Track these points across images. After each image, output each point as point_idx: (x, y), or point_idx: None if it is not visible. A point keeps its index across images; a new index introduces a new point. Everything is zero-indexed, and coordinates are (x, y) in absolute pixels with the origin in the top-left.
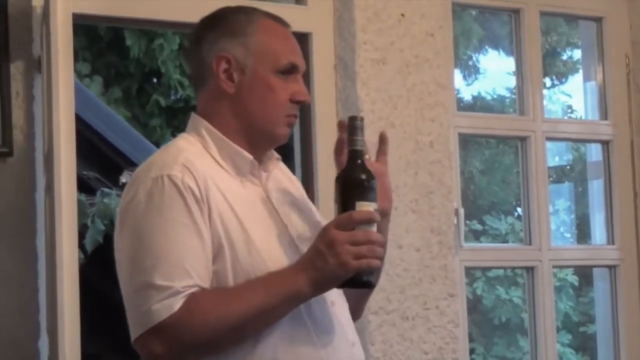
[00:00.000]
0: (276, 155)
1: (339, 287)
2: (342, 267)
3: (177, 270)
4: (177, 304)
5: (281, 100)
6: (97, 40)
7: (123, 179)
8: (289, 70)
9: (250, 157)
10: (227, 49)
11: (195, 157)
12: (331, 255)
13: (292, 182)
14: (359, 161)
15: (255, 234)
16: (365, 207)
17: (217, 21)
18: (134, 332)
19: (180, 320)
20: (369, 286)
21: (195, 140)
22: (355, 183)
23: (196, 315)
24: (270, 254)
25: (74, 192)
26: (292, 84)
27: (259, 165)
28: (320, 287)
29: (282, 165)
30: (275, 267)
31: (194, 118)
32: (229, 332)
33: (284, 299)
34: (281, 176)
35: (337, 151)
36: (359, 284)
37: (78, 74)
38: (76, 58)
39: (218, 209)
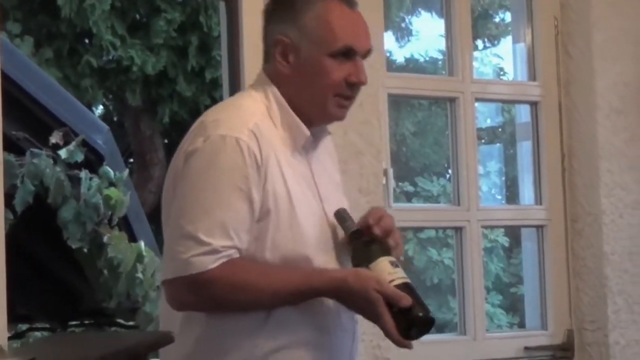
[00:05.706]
0: (328, 130)
1: None
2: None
3: (221, 230)
4: (213, 263)
5: (333, 81)
6: (29, 0)
7: (53, 139)
8: (345, 54)
9: (308, 133)
10: (285, 32)
11: (262, 123)
12: (368, 312)
13: (330, 155)
14: (364, 238)
15: (299, 210)
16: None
17: (279, 3)
18: (166, 274)
19: (214, 279)
20: None
21: (260, 100)
22: (372, 250)
23: (229, 278)
24: (308, 232)
25: (0, 152)
26: (349, 65)
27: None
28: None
29: (328, 138)
30: (309, 247)
31: (264, 78)
32: (251, 301)
33: (305, 295)
34: (323, 149)
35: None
36: None
37: (8, 34)
38: (7, 18)
39: (273, 179)
